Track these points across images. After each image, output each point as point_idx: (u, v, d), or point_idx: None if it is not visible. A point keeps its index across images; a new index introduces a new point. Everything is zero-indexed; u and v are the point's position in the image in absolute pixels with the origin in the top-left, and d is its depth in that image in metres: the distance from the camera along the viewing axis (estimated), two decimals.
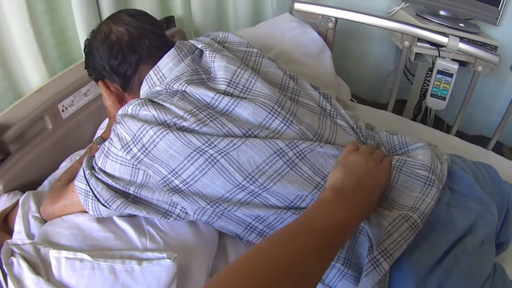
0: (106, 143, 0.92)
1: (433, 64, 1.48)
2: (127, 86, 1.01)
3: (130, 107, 0.90)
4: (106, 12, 1.37)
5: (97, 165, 0.92)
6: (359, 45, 1.92)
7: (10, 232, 1.06)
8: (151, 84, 0.96)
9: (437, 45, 1.44)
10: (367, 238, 0.84)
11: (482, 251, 0.85)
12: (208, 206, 0.86)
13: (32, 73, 1.25)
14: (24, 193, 1.15)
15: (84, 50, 1.06)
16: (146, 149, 0.86)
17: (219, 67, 0.96)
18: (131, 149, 0.86)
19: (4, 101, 1.23)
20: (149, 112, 0.87)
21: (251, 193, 0.86)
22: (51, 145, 1.24)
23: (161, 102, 0.89)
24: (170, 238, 0.91)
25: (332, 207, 0.73)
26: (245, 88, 0.94)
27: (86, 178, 0.91)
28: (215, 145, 0.84)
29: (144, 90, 0.98)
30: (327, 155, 0.90)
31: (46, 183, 1.18)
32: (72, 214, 0.98)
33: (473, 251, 0.84)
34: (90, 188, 0.90)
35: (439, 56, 1.45)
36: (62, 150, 1.27)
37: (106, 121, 1.36)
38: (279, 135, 0.90)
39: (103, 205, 0.89)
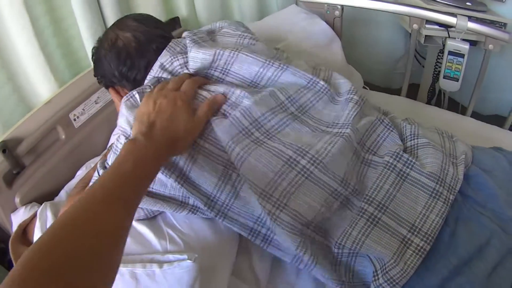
0: (115, 140, 0.89)
1: (444, 45, 1.42)
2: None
3: (123, 103, 0.88)
4: (111, 19, 1.33)
5: (108, 164, 0.89)
6: (367, 31, 1.87)
7: (29, 245, 1.02)
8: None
9: (446, 26, 1.38)
10: (368, 259, 0.78)
11: (493, 283, 0.74)
12: (208, 203, 0.81)
13: (41, 86, 1.22)
14: (41, 204, 1.12)
15: (92, 58, 1.03)
16: None
17: (195, 59, 0.92)
18: None
19: (16, 115, 1.20)
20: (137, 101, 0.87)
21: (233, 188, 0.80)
22: (66, 155, 1.21)
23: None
24: (190, 239, 0.86)
25: (121, 159, 0.70)
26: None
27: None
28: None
29: None
30: (303, 129, 0.86)
31: (62, 193, 1.15)
32: None
33: (481, 282, 0.73)
34: None
35: (449, 37, 1.39)
36: (77, 159, 1.24)
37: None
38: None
39: None
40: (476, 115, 1.47)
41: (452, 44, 1.38)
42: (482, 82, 1.42)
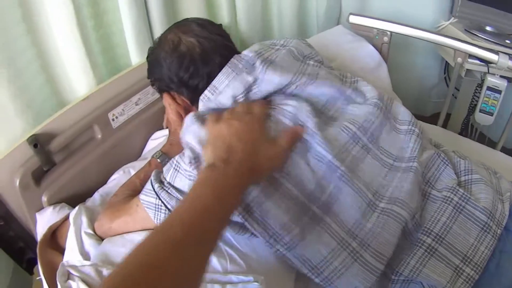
0: (177, 157, 0.81)
1: (482, 80, 1.41)
2: (196, 100, 0.90)
3: (193, 119, 0.81)
4: (156, 21, 1.28)
5: (165, 180, 0.81)
6: (403, 57, 1.83)
7: (58, 249, 0.95)
8: (206, 100, 0.87)
9: (487, 62, 1.37)
10: (420, 285, 0.79)
11: None
12: (271, 240, 0.76)
13: (79, 80, 1.14)
14: (70, 206, 1.04)
15: (147, 58, 0.97)
16: None
17: (271, 82, 0.86)
18: (201, 163, 0.76)
19: (46, 107, 1.12)
20: None
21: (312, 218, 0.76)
22: (100, 155, 1.13)
23: None
24: (252, 260, 0.80)
25: (200, 189, 0.64)
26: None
27: (156, 192, 0.80)
28: None
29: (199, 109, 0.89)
30: (375, 165, 0.84)
31: (96, 196, 1.07)
32: (136, 233, 0.87)
33: None
34: (162, 202, 0.79)
35: (489, 72, 1.38)
36: (111, 162, 1.16)
37: (158, 133, 1.26)
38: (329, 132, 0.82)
39: None
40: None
41: (492, 81, 1.38)
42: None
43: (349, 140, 0.83)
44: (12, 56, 0.99)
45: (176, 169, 0.80)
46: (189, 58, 0.88)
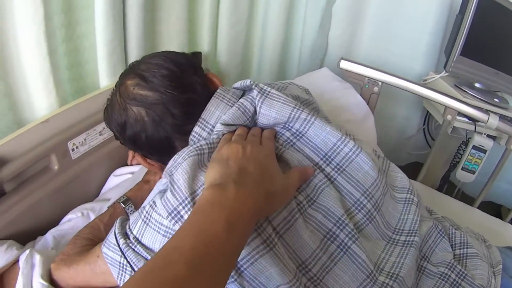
0: (147, 206, 0.75)
1: (467, 138, 1.46)
2: (166, 160, 0.80)
3: (189, 155, 0.74)
4: (133, 39, 1.23)
5: (132, 233, 0.75)
6: (385, 106, 1.86)
7: None
8: (197, 139, 0.83)
9: (475, 121, 1.41)
10: None
11: None
12: None
13: (39, 97, 1.07)
14: (20, 244, 0.99)
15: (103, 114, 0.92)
16: None
17: (268, 117, 0.84)
18: (181, 216, 0.69)
19: (1, 123, 1.06)
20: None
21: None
22: (55, 189, 1.07)
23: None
24: None
25: (208, 212, 0.58)
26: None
27: (120, 249, 0.74)
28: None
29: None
30: (380, 232, 0.83)
31: (49, 237, 1.01)
32: None
33: None
34: (128, 262, 0.73)
35: (475, 131, 1.42)
36: (67, 197, 1.11)
37: (122, 169, 1.21)
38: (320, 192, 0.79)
39: None
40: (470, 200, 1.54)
41: (478, 140, 1.43)
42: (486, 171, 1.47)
43: (352, 206, 0.81)
44: None
45: (145, 222, 0.74)
46: (139, 130, 0.83)
